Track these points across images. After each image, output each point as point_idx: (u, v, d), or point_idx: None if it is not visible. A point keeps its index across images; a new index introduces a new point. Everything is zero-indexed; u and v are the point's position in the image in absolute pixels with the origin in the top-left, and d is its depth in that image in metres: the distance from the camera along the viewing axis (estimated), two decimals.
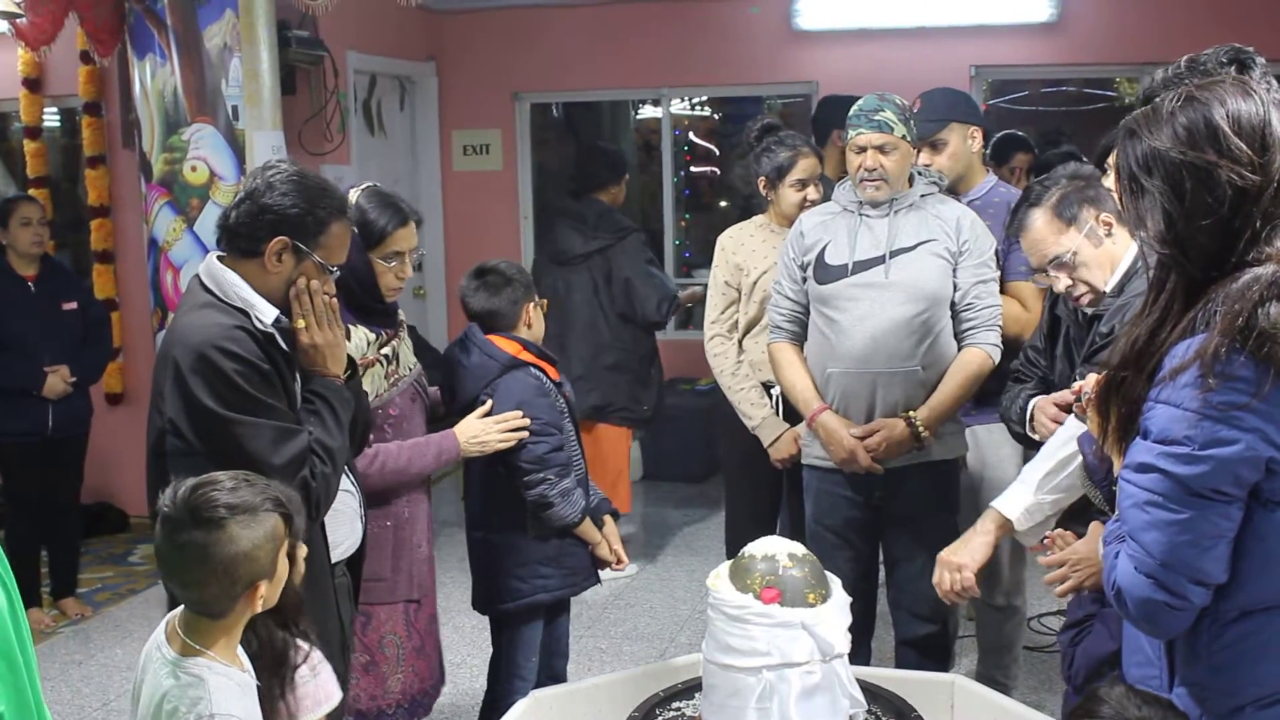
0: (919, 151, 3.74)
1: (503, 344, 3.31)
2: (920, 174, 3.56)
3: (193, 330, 2.51)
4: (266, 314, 2.55)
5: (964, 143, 3.89)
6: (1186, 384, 1.71)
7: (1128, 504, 1.82)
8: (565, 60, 7.39)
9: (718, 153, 8.31)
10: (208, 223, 5.44)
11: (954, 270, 3.43)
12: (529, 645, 3.40)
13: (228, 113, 5.41)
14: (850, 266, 3.45)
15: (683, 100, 8.11)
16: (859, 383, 3.44)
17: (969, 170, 3.92)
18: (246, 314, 2.54)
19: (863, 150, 3.44)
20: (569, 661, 3.68)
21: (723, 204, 8.29)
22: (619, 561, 3.47)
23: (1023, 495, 2.74)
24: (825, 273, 3.50)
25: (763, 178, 4.18)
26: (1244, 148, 1.74)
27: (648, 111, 8.34)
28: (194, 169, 5.43)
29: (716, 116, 8.64)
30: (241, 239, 2.59)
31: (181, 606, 2.12)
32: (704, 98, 8.30)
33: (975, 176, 3.94)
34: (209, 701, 1.98)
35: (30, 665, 1.67)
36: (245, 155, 5.17)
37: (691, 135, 8.38)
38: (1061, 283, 2.87)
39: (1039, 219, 2.86)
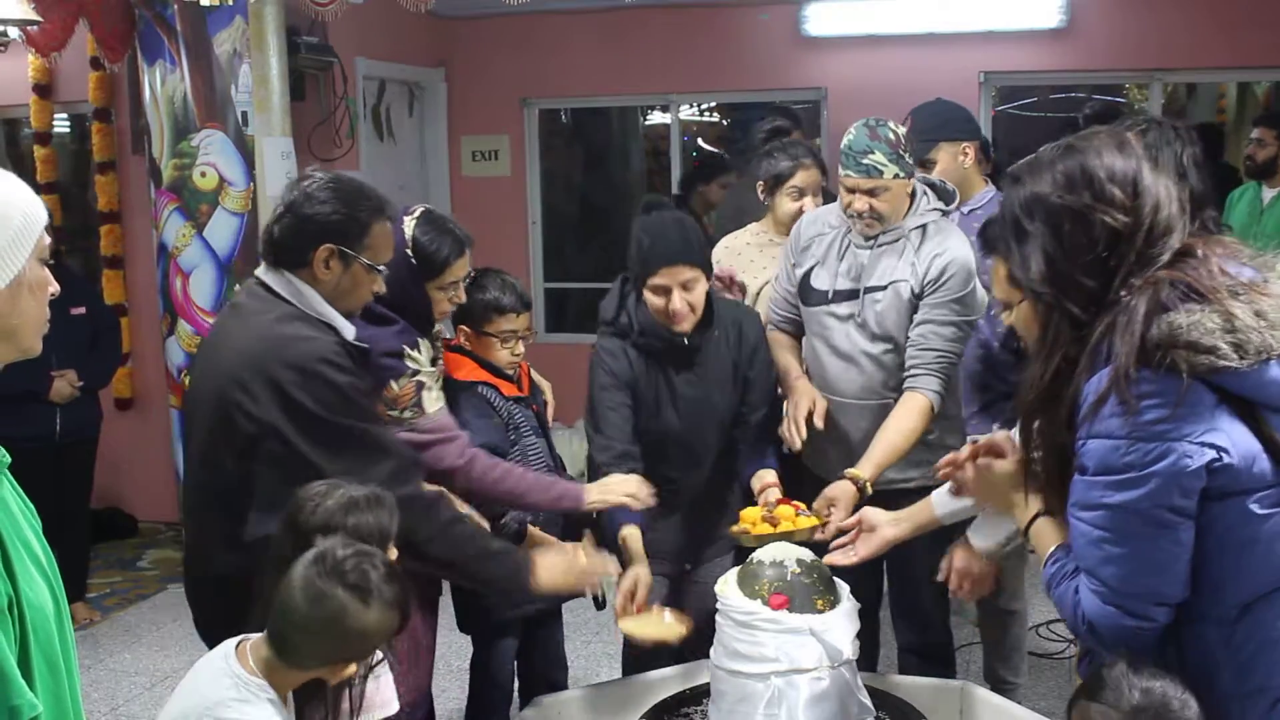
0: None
1: (455, 363, 3.24)
2: (926, 193, 3.40)
3: (293, 342, 2.54)
4: (348, 331, 2.64)
5: (955, 160, 3.87)
6: (1110, 414, 1.78)
7: (1081, 542, 1.88)
8: (574, 66, 7.40)
9: (726, 158, 8.30)
10: (217, 228, 5.46)
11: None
12: (502, 656, 3.41)
13: (237, 118, 5.43)
14: (830, 294, 3.39)
15: (691, 106, 8.11)
16: (834, 408, 3.39)
17: (963, 184, 3.89)
18: (330, 328, 2.60)
19: (850, 190, 3.29)
20: (573, 668, 3.68)
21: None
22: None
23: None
24: (809, 295, 3.45)
25: (761, 182, 4.16)
26: (1117, 193, 1.85)
27: (656, 117, 8.34)
28: (203, 175, 5.45)
29: (725, 122, 8.64)
30: (288, 251, 2.62)
31: (260, 634, 2.14)
32: (713, 104, 8.30)
33: (971, 189, 3.93)
34: None
35: (72, 672, 1.70)
36: (255, 161, 5.19)
37: (700, 141, 8.38)
38: None
39: None
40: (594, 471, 3.18)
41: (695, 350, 3.21)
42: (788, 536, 2.86)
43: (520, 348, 3.26)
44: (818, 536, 2.92)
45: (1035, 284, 1.92)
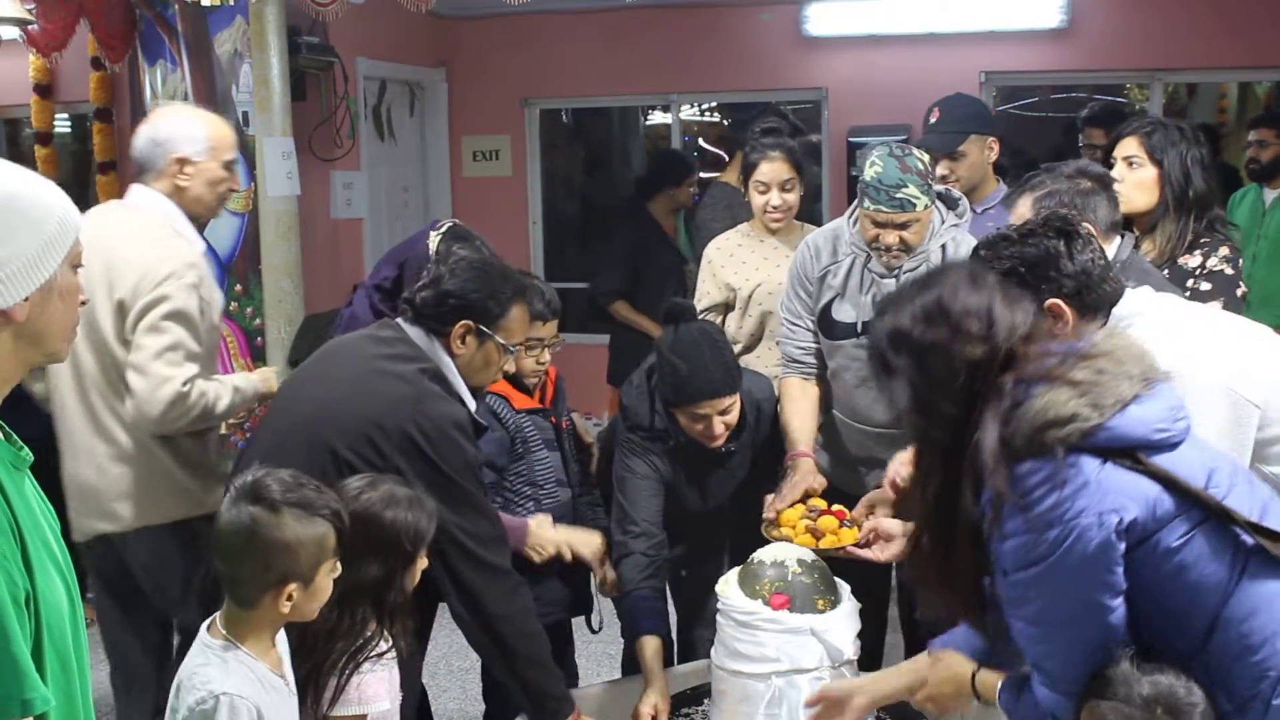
0: (938, 162, 3.70)
1: None
2: (940, 200, 3.30)
3: (434, 400, 2.63)
4: (472, 405, 2.73)
5: (982, 154, 3.85)
6: (1009, 515, 1.86)
7: (1023, 640, 1.98)
8: (575, 66, 7.40)
9: (727, 158, 8.30)
10: (218, 228, 5.44)
11: None
12: None
13: (238, 118, 5.43)
14: (859, 327, 3.30)
15: (692, 106, 8.11)
16: (862, 435, 3.38)
17: (983, 180, 3.90)
18: (460, 399, 2.70)
19: (880, 225, 3.17)
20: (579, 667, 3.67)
21: None
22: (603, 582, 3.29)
23: None
24: (833, 328, 3.36)
25: (741, 178, 4.12)
26: (974, 326, 1.94)
27: (657, 117, 8.34)
28: None
29: (726, 122, 8.63)
30: (428, 319, 2.72)
31: (224, 607, 2.17)
32: (714, 103, 8.30)
33: (986, 186, 3.92)
34: (221, 680, 2.04)
35: (84, 671, 1.72)
36: (255, 161, 5.19)
37: (701, 141, 8.38)
38: None
39: (1024, 204, 2.83)
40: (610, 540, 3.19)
41: (732, 454, 3.22)
42: (831, 551, 2.85)
43: (546, 356, 3.19)
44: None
45: (904, 414, 2.03)
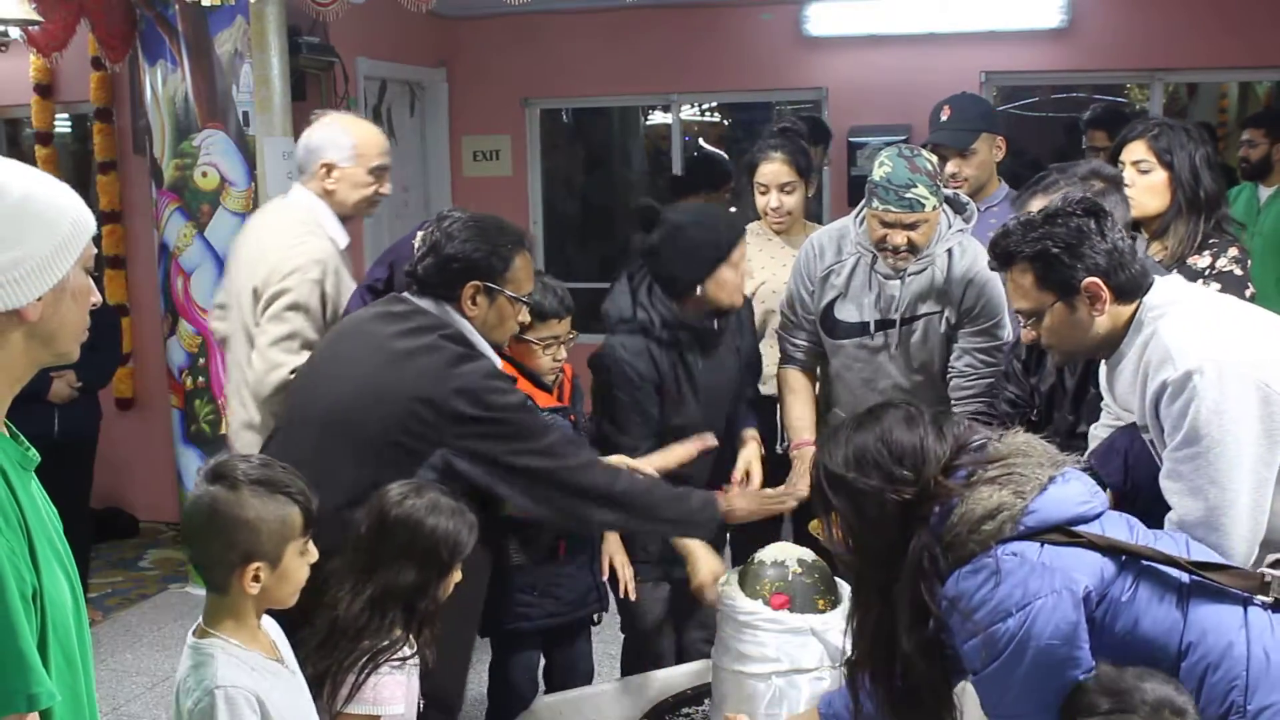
0: (947, 161, 3.70)
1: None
2: (947, 204, 3.31)
3: (462, 359, 2.68)
4: (497, 362, 2.79)
5: (990, 153, 3.87)
6: (957, 623, 1.96)
7: None
8: (575, 66, 7.40)
9: (727, 158, 8.30)
10: (218, 228, 5.46)
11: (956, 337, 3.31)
12: (521, 666, 3.34)
13: (238, 118, 5.43)
14: (863, 327, 3.33)
15: (692, 106, 8.11)
16: None
17: (989, 179, 3.91)
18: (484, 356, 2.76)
19: (888, 225, 3.18)
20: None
21: (732, 210, 8.26)
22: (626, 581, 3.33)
23: None
24: (835, 328, 3.39)
25: (745, 177, 4.12)
26: (906, 472, 2.02)
27: (657, 117, 8.33)
28: (205, 175, 5.45)
29: (726, 123, 8.63)
30: (435, 287, 2.74)
31: (205, 604, 2.16)
32: (714, 104, 8.29)
33: (992, 185, 3.93)
34: (214, 676, 2.04)
35: (88, 669, 1.75)
36: (255, 161, 5.19)
37: (701, 141, 8.37)
38: None
39: (1037, 205, 2.78)
40: None
41: (721, 333, 3.26)
42: None
43: (562, 353, 3.21)
44: None
45: (841, 551, 2.13)
